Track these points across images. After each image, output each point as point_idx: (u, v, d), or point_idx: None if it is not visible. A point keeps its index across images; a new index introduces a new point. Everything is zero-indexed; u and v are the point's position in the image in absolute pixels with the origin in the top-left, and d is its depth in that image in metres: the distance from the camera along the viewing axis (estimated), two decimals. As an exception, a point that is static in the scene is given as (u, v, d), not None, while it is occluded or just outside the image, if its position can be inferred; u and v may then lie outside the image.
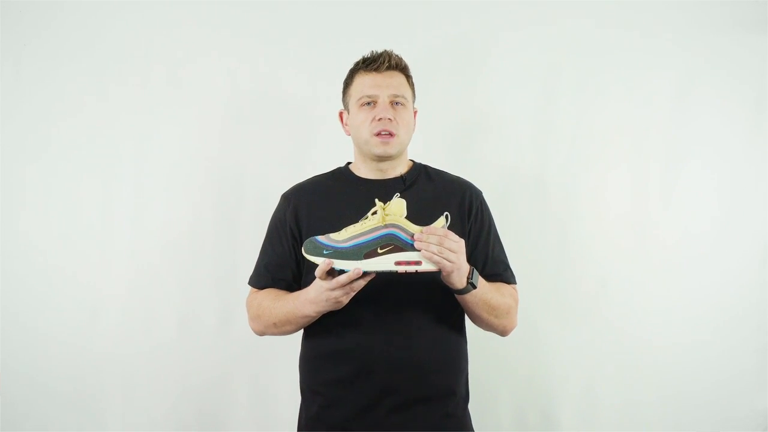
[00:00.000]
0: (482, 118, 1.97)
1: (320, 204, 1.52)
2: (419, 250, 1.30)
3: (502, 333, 1.54)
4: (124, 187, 1.92)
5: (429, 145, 1.91)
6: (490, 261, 1.52)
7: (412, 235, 1.30)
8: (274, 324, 1.48)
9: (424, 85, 1.92)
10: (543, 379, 1.98)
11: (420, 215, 1.44)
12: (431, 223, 1.35)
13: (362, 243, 1.30)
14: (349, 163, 1.61)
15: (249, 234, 1.90)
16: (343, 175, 1.58)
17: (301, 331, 1.53)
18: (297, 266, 1.51)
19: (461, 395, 1.51)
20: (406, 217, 1.33)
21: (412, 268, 1.30)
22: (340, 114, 1.59)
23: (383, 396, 1.42)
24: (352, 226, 1.35)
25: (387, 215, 1.31)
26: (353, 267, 1.29)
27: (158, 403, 1.93)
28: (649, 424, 1.96)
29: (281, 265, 1.52)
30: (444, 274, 1.34)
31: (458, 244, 1.32)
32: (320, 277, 1.32)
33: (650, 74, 1.95)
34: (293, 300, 1.44)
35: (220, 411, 1.95)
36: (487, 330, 1.53)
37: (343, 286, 1.31)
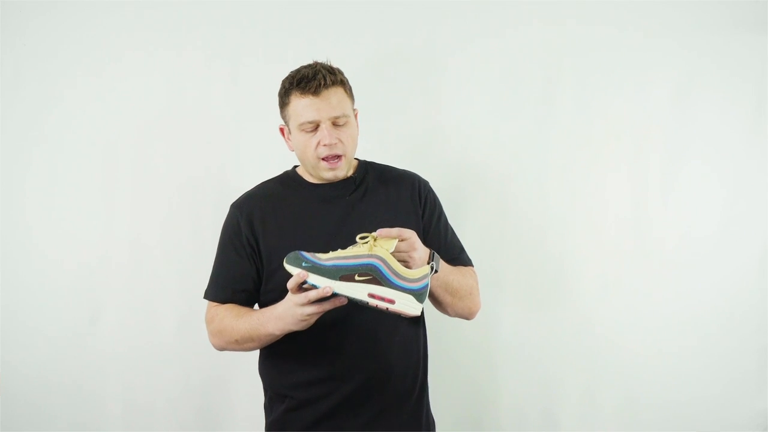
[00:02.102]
0: (480, 118, 1.97)
1: (274, 212, 1.50)
2: (395, 289, 1.27)
3: (468, 316, 1.55)
4: (123, 186, 1.92)
5: (427, 146, 1.92)
6: (443, 246, 1.53)
7: (396, 274, 1.27)
8: (236, 341, 1.45)
9: (425, 84, 1.94)
10: (543, 379, 1.98)
11: (378, 213, 1.47)
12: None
13: (342, 265, 1.27)
14: (296, 166, 1.58)
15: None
16: (292, 179, 1.56)
17: None
18: (257, 275, 1.49)
19: (423, 384, 1.53)
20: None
21: (383, 305, 1.27)
22: (281, 129, 1.54)
23: (352, 397, 1.43)
24: (341, 250, 1.32)
25: (374, 246, 1.29)
26: (325, 284, 1.26)
27: (158, 402, 1.93)
28: (649, 425, 1.96)
29: (241, 276, 1.49)
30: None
31: (409, 242, 1.32)
32: (291, 289, 1.29)
33: (650, 74, 1.95)
34: (258, 316, 1.41)
35: (220, 411, 1.95)
36: (454, 315, 1.54)
37: (311, 303, 1.27)
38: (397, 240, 1.30)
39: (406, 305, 1.28)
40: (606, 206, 1.97)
